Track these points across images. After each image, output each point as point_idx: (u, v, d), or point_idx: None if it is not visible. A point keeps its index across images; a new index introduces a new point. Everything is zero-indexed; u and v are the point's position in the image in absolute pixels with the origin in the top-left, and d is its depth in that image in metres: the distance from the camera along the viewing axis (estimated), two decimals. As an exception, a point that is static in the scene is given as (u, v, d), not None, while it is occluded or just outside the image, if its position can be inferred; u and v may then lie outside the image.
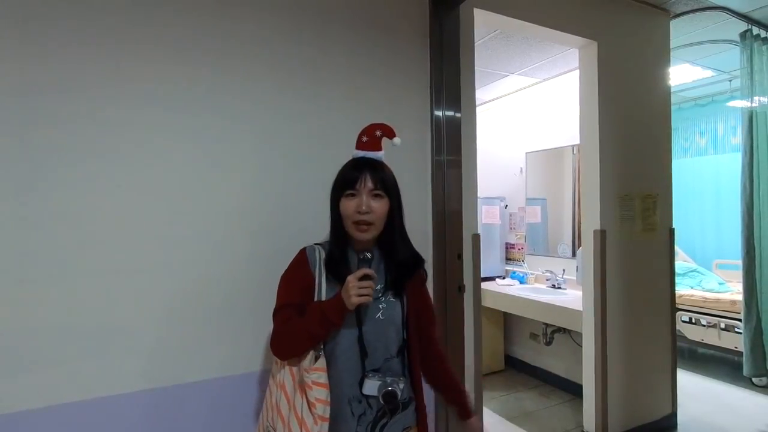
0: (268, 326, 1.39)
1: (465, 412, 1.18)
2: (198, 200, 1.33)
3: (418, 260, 1.16)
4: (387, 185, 1.09)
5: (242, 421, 1.37)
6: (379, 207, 1.07)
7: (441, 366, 1.20)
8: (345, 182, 1.09)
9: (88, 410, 1.19)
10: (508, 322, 3.64)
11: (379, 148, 1.14)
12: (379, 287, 1.10)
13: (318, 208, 1.49)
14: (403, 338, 1.11)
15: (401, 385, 1.04)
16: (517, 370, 3.54)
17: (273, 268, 1.39)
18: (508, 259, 3.77)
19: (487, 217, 3.60)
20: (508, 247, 3.78)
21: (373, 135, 1.14)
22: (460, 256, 1.80)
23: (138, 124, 1.26)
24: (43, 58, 1.15)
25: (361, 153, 1.14)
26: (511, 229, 3.78)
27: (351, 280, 0.99)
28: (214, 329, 1.35)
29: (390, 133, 1.16)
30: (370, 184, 1.06)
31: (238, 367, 1.37)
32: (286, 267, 1.15)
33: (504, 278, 3.56)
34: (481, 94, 3.74)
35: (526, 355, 3.52)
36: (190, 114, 1.32)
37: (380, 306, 1.09)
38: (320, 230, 1.45)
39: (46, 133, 1.16)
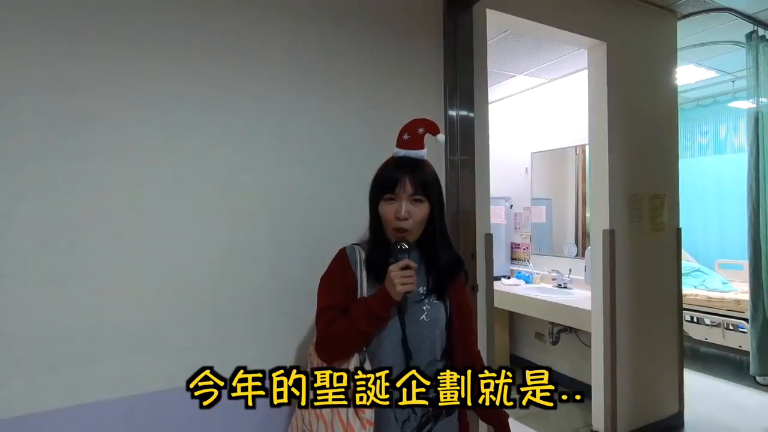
0: (292, 325, 1.42)
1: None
2: (218, 200, 1.33)
3: (460, 263, 1.13)
4: (427, 188, 1.05)
5: (265, 421, 1.37)
6: (419, 212, 1.04)
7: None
8: (384, 185, 1.05)
9: (107, 411, 1.18)
10: (512, 321, 3.65)
11: (422, 147, 1.08)
12: (421, 290, 1.08)
13: (338, 206, 1.50)
14: (446, 340, 1.09)
15: None
16: (522, 370, 3.54)
17: (296, 268, 1.42)
18: (514, 259, 3.79)
19: (492, 217, 3.58)
20: (513, 247, 3.79)
21: (416, 132, 1.08)
22: (473, 256, 1.81)
23: (158, 125, 1.26)
24: (62, 57, 1.15)
25: (402, 152, 1.08)
26: (516, 229, 3.80)
27: (393, 269, 0.97)
28: (237, 329, 1.35)
29: (434, 130, 1.09)
30: (409, 189, 1.03)
31: (257, 366, 1.36)
32: (326, 268, 1.13)
33: (509, 278, 3.57)
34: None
35: (531, 354, 3.53)
36: (210, 114, 1.32)
37: (424, 308, 1.07)
38: (342, 228, 1.47)
39: (67, 132, 1.15)
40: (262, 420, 1.37)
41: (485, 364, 1.78)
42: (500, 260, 3.66)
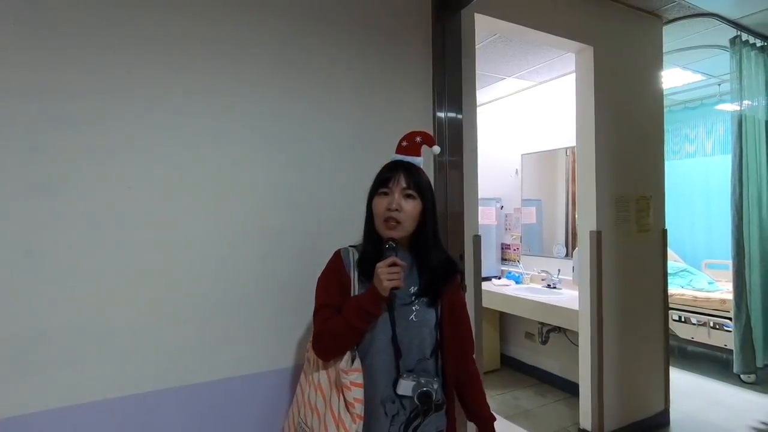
0: (284, 325, 1.43)
1: None
2: (208, 202, 1.34)
3: (453, 264, 1.16)
4: (420, 187, 1.09)
5: (254, 420, 1.38)
6: (410, 207, 1.07)
7: (471, 390, 1.21)
8: (379, 181, 1.11)
9: (100, 412, 1.19)
10: (503, 321, 3.69)
11: (418, 154, 1.16)
12: (412, 289, 1.11)
13: (328, 207, 1.52)
14: (436, 339, 1.12)
15: (435, 386, 1.05)
16: (512, 369, 3.58)
17: (287, 269, 1.44)
18: (504, 260, 3.82)
19: (483, 217, 3.63)
20: (504, 247, 3.83)
21: (413, 141, 1.16)
22: (461, 257, 1.83)
23: (148, 128, 1.27)
24: (53, 61, 1.16)
25: (399, 156, 1.16)
26: (506, 229, 3.83)
27: (380, 266, 1.01)
28: (228, 329, 1.36)
29: (430, 141, 1.18)
30: (403, 183, 1.08)
31: (250, 366, 1.38)
32: (320, 268, 1.17)
33: (500, 278, 3.60)
34: (478, 97, 3.78)
35: (521, 354, 3.56)
36: (199, 117, 1.33)
37: (413, 309, 1.09)
38: (332, 229, 1.49)
39: (57, 135, 1.16)
40: (258, 418, 1.39)
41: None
42: (491, 261, 3.70)
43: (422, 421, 1.07)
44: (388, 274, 0.99)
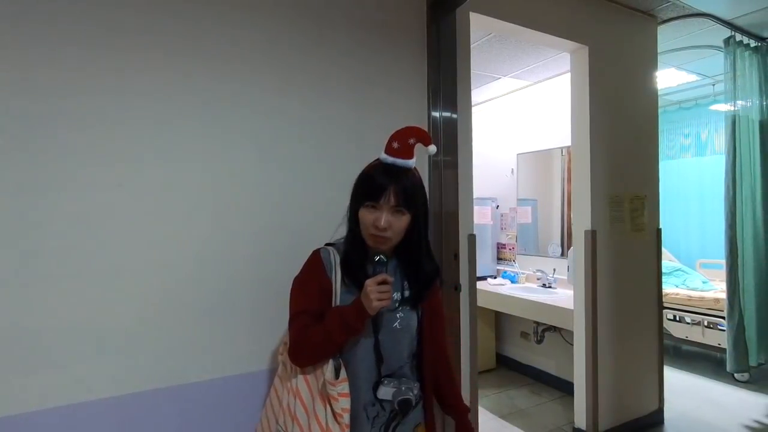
0: (268, 326, 1.42)
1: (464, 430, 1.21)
2: (198, 201, 1.33)
3: (438, 271, 1.13)
4: (411, 200, 1.02)
5: (243, 420, 1.37)
6: (399, 223, 1.01)
7: (447, 385, 1.22)
8: (368, 192, 1.02)
9: (89, 412, 1.18)
10: (499, 321, 3.69)
11: (410, 156, 1.03)
12: (396, 296, 1.07)
13: (320, 209, 1.51)
14: (417, 343, 1.11)
15: (415, 391, 1.05)
16: (508, 369, 3.59)
17: (271, 269, 1.43)
18: (500, 259, 3.83)
19: (478, 217, 3.64)
20: (500, 247, 3.83)
21: (406, 143, 1.02)
22: (456, 256, 1.83)
23: (139, 127, 1.25)
24: (46, 60, 1.14)
25: (390, 159, 1.03)
26: (502, 229, 3.83)
27: (370, 284, 0.96)
28: (216, 329, 1.35)
29: (426, 140, 1.05)
30: (392, 201, 1.00)
31: (238, 367, 1.37)
32: (300, 269, 1.11)
33: (495, 278, 3.61)
34: (473, 96, 3.77)
35: (517, 353, 3.57)
36: (190, 117, 1.32)
37: (398, 316, 1.07)
38: (319, 230, 1.47)
39: (48, 133, 1.15)
40: (252, 418, 1.38)
41: (462, 365, 1.83)
42: (486, 260, 3.70)
43: (401, 419, 1.08)
44: (378, 293, 0.95)
